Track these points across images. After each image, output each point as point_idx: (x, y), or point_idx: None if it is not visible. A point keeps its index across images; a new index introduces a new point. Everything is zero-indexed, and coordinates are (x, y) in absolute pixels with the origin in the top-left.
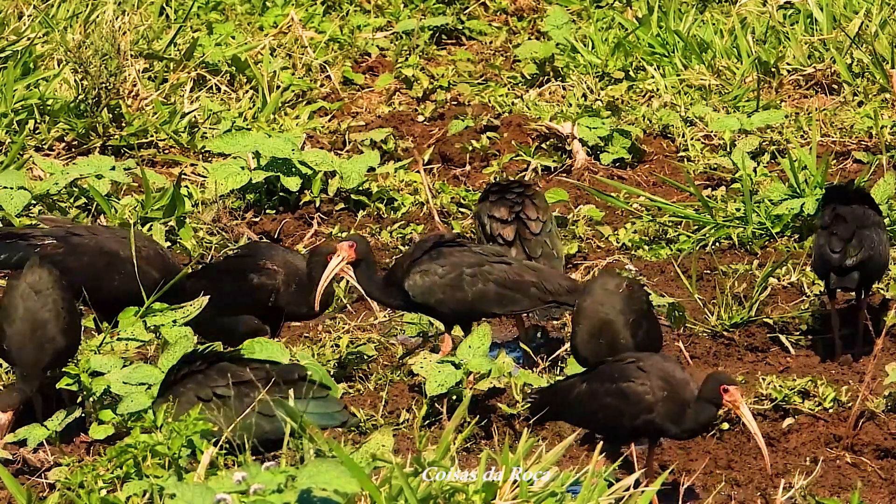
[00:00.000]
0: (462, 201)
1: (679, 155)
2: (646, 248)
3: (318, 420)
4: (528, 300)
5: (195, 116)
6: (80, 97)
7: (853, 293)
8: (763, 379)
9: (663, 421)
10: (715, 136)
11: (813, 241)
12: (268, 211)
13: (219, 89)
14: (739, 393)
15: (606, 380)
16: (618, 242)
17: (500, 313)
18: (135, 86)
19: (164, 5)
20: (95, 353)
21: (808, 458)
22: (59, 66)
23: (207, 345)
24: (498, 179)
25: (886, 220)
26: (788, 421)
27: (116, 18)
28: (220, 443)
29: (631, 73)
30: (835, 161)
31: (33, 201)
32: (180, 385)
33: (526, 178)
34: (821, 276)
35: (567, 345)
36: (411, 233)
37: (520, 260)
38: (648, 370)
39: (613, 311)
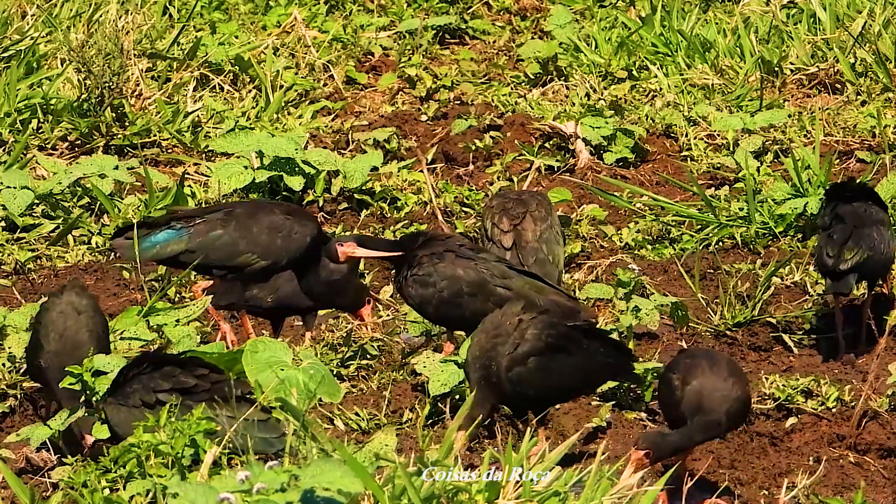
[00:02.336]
0: (465, 201)
1: (682, 154)
2: (649, 247)
3: (255, 445)
4: None
5: (198, 116)
6: (83, 96)
7: (859, 291)
8: (766, 378)
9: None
10: (718, 135)
11: (815, 241)
12: None
13: (222, 89)
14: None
15: (669, 367)
16: (621, 242)
17: None
18: (138, 85)
19: (168, 5)
20: None
21: (811, 458)
22: (62, 65)
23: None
24: (504, 189)
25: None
26: (791, 420)
27: (119, 18)
28: (224, 443)
29: (634, 72)
30: (838, 160)
31: (36, 201)
32: (127, 386)
33: (527, 185)
34: (823, 277)
35: None
36: None
37: (525, 277)
38: (690, 365)
39: (493, 341)
